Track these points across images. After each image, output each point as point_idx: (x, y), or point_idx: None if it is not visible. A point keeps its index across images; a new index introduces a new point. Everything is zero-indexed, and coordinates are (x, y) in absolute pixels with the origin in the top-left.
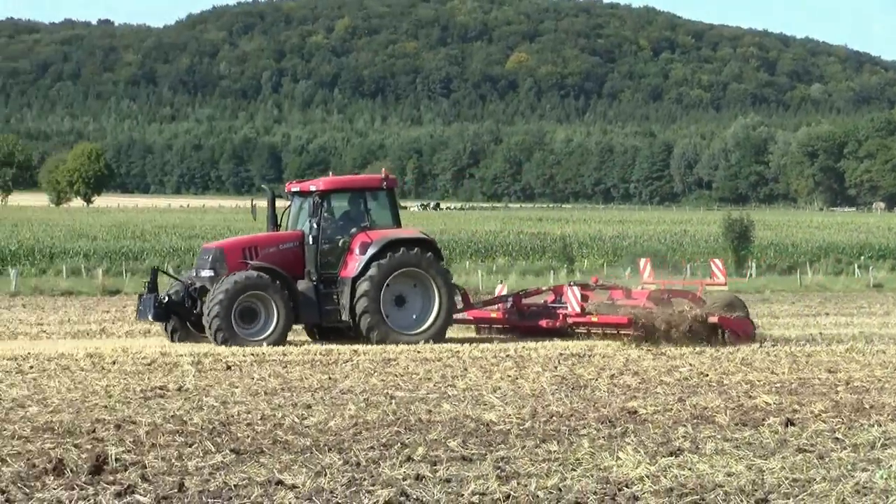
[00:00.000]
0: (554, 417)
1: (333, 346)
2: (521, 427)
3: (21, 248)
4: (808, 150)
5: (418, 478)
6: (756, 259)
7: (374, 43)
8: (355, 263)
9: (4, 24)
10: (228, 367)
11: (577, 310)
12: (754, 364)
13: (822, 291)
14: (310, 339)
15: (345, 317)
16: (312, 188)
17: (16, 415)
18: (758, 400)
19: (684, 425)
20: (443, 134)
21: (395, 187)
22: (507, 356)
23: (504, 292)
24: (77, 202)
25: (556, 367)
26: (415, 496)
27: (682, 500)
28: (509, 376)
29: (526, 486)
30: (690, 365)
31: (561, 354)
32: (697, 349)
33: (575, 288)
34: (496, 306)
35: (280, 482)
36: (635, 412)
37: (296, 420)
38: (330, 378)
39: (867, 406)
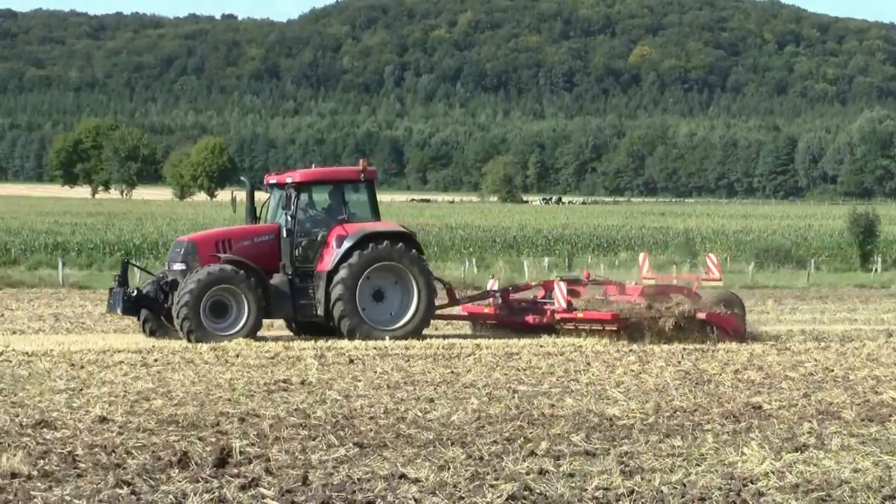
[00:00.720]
0: (678, 412)
1: (456, 341)
2: (645, 422)
3: (145, 242)
4: None
5: (542, 472)
6: (882, 254)
7: (496, 37)
8: (331, 257)
9: (130, 19)
10: (351, 361)
11: (563, 305)
12: (880, 360)
13: None
14: (424, 335)
15: (320, 311)
16: (288, 180)
17: (141, 408)
18: (884, 395)
19: (809, 421)
20: (565, 128)
21: (375, 179)
22: (631, 351)
23: (495, 287)
24: (200, 196)
25: (679, 362)
26: (538, 491)
27: (808, 497)
28: (632, 371)
29: (650, 481)
30: (815, 360)
31: (684, 349)
32: (822, 344)
33: (562, 283)
34: (488, 301)
35: (403, 476)
36: (760, 407)
37: (418, 414)
38: (452, 372)
39: None
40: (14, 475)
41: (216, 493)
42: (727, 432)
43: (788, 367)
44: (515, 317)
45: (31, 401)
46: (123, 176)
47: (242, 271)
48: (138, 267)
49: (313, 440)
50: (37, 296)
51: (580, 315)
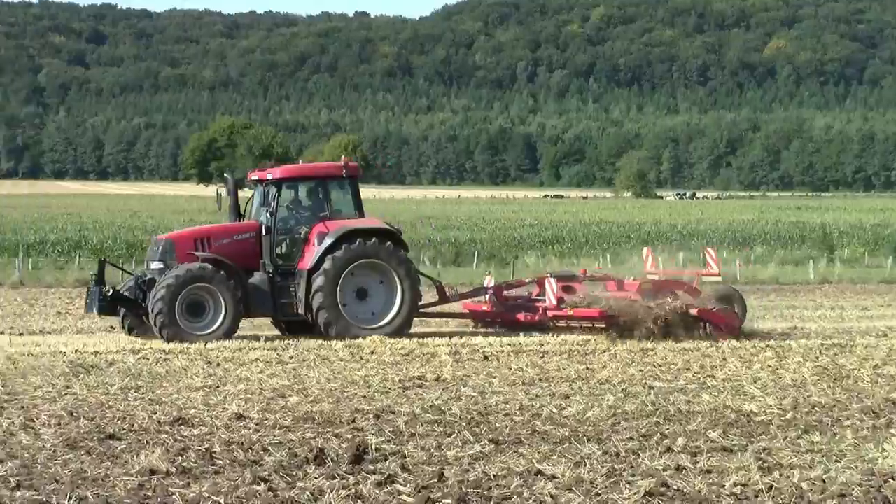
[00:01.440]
0: (816, 408)
1: (590, 337)
2: (783, 418)
3: None
4: None
5: (678, 469)
6: None
7: (629, 31)
8: (312, 255)
9: (263, 18)
10: (486, 358)
11: (554, 302)
12: None
13: None
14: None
15: (300, 310)
16: (269, 176)
17: (277, 405)
18: None
19: None
20: (699, 122)
21: (358, 175)
22: (767, 346)
23: (491, 284)
24: None
25: (817, 358)
26: (675, 487)
27: None
28: (769, 366)
29: (788, 477)
30: None
31: (822, 344)
32: None
33: (552, 280)
34: (483, 298)
35: (539, 472)
36: None
37: (554, 410)
38: (588, 368)
39: None
40: (153, 472)
41: (352, 490)
42: (867, 428)
43: None
44: (508, 314)
45: (169, 398)
46: None
47: (219, 270)
48: (116, 266)
49: (449, 437)
50: None
51: (570, 312)
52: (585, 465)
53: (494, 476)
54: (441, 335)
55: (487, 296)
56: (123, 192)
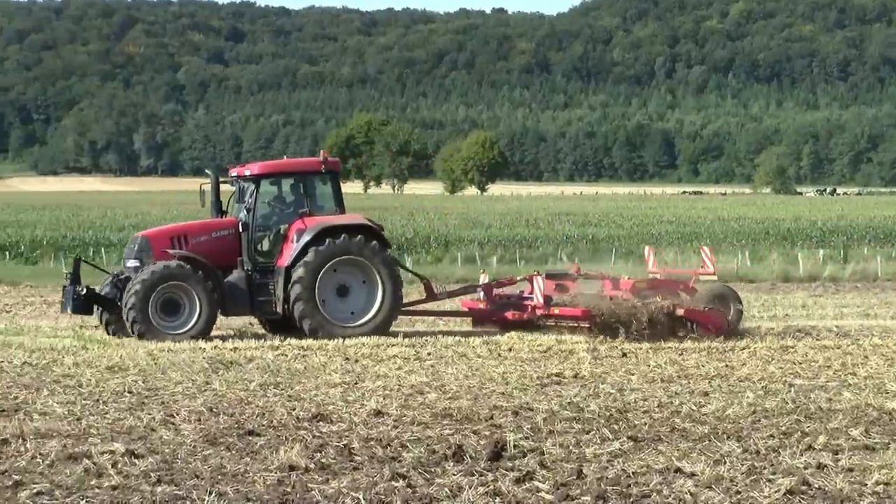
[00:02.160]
0: None
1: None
2: None
3: (417, 236)
4: None
5: (820, 467)
6: None
7: (769, 27)
8: (290, 252)
9: (401, 15)
10: (624, 355)
11: (541, 301)
12: None
13: None
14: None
15: (279, 308)
16: (246, 172)
17: (415, 401)
18: None
19: None
20: (840, 118)
21: (338, 171)
22: None
23: (486, 281)
24: (471, 190)
25: None
26: (817, 485)
27: None
28: None
29: None
30: None
31: None
32: None
33: (539, 278)
34: (476, 296)
35: (679, 470)
36: None
37: (693, 408)
38: (727, 366)
39: None
40: (292, 467)
41: (491, 487)
42: None
43: None
44: (497, 313)
45: (308, 394)
46: (395, 171)
47: (193, 268)
48: (91, 264)
49: (587, 434)
50: None
51: (556, 311)
52: (725, 463)
53: (633, 473)
54: (575, 334)
55: (481, 294)
56: None
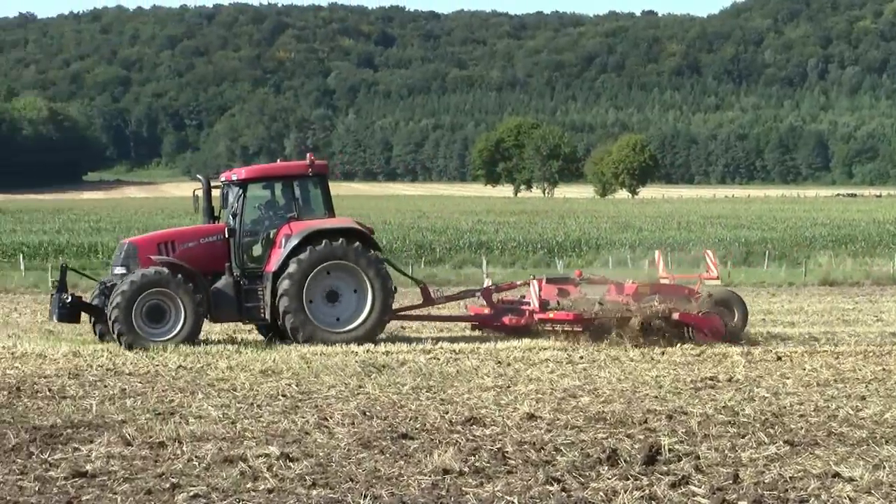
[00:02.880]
0: None
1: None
2: None
3: (567, 240)
4: None
5: None
6: None
7: None
8: (277, 257)
9: (550, 18)
10: (779, 358)
11: (537, 305)
12: None
13: None
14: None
15: (267, 314)
16: (234, 177)
17: (568, 405)
18: None
19: None
20: None
21: (326, 173)
22: None
23: (490, 285)
24: (622, 193)
25: None
26: None
27: None
28: None
29: None
30: None
31: None
32: None
33: (535, 282)
34: (475, 300)
35: (837, 475)
36: None
37: (850, 412)
38: (884, 369)
39: None
40: (446, 471)
41: (646, 491)
42: None
43: None
44: (496, 317)
45: (460, 398)
46: (545, 174)
47: (178, 274)
48: (77, 272)
49: (742, 438)
50: None
51: (551, 315)
52: (884, 468)
53: (790, 478)
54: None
55: (482, 299)
56: (411, 193)
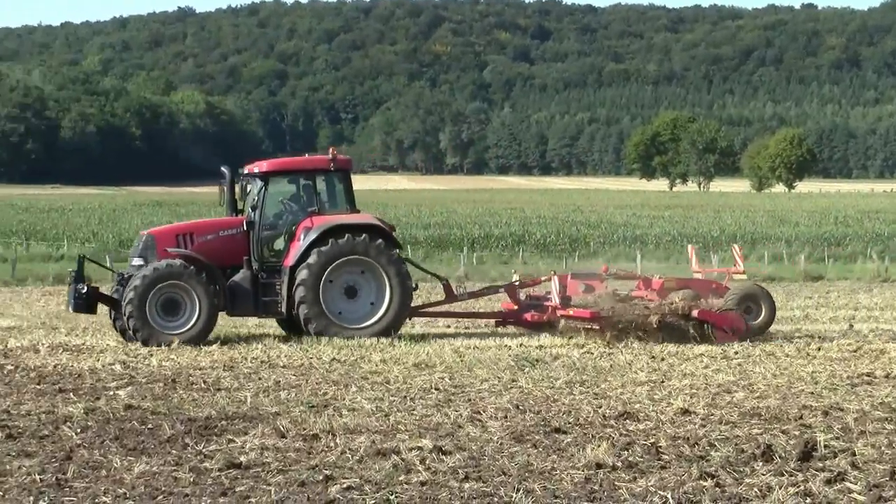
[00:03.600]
0: None
1: None
2: None
3: (723, 235)
4: None
5: None
6: None
7: None
8: (296, 251)
9: (708, 12)
10: None
11: (558, 302)
12: None
13: None
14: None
15: (283, 309)
16: (256, 170)
17: (722, 400)
18: None
19: None
20: None
21: (349, 168)
22: None
23: (517, 281)
24: (778, 188)
25: None
26: None
27: None
28: None
29: None
30: None
31: None
32: None
33: (556, 278)
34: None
35: None
36: None
37: None
38: None
39: None
40: (598, 465)
41: (801, 487)
42: None
43: None
44: (518, 314)
45: (614, 392)
46: (701, 168)
47: (193, 267)
48: (95, 262)
49: None
50: None
51: (571, 312)
52: None
53: None
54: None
55: (509, 294)
56: (566, 187)
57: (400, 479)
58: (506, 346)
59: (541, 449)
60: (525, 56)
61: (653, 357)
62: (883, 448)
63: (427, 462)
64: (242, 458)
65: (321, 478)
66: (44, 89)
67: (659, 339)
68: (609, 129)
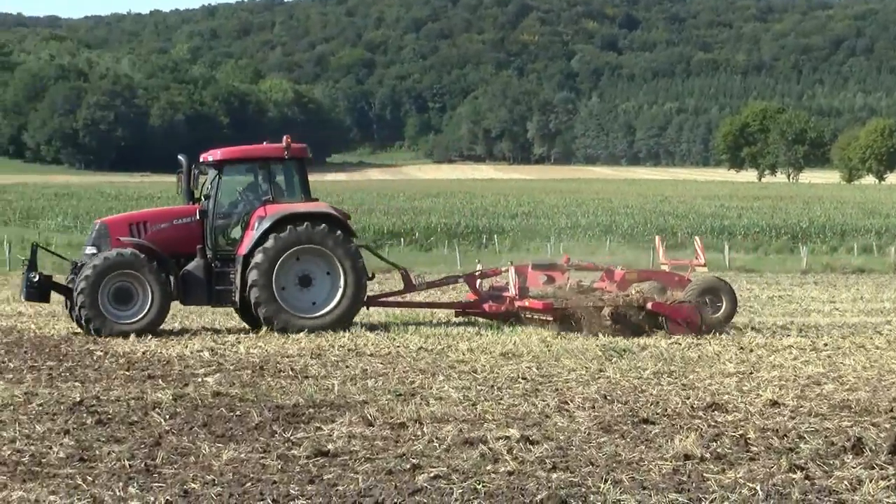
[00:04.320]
0: None
1: None
2: None
3: (812, 226)
4: None
5: None
6: None
7: None
8: (250, 239)
9: (798, 1)
10: None
11: (514, 293)
12: None
13: None
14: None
15: (237, 298)
16: (210, 158)
17: (812, 392)
18: None
19: None
20: None
21: (304, 157)
22: None
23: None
24: (868, 179)
25: None
26: None
27: None
28: None
29: None
30: None
31: None
32: None
33: (512, 269)
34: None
35: None
36: None
37: None
38: None
39: None
40: (687, 456)
41: (892, 481)
42: None
43: None
44: (476, 305)
45: (702, 383)
46: (790, 159)
47: (145, 256)
48: (50, 251)
49: None
50: None
51: (527, 303)
52: None
53: None
54: None
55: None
56: (654, 177)
57: (487, 468)
58: (593, 335)
59: (628, 439)
60: (613, 45)
61: (741, 348)
62: None
63: (514, 452)
64: (330, 446)
65: (408, 466)
66: (133, 77)
67: (613, 330)
68: (697, 119)
